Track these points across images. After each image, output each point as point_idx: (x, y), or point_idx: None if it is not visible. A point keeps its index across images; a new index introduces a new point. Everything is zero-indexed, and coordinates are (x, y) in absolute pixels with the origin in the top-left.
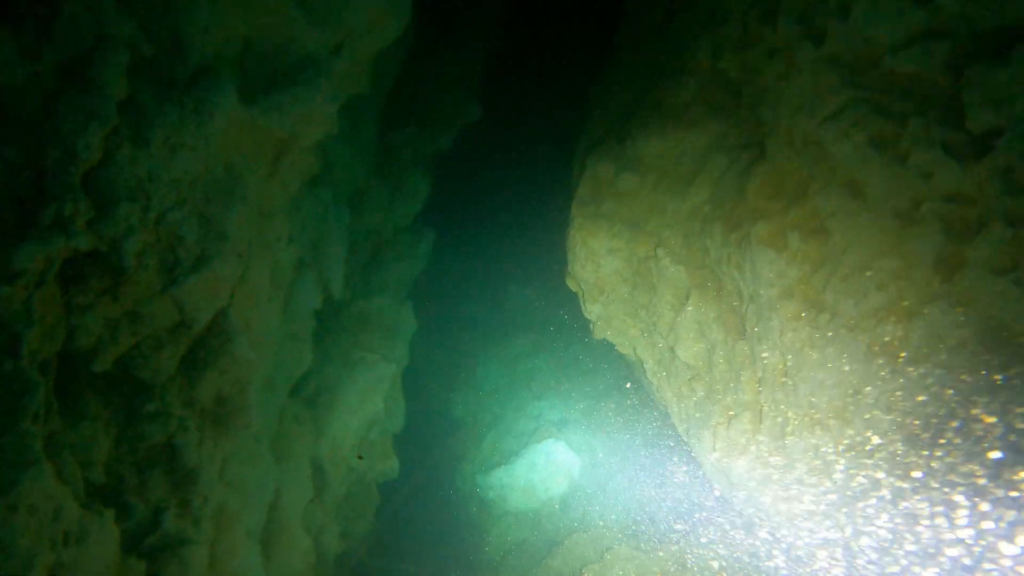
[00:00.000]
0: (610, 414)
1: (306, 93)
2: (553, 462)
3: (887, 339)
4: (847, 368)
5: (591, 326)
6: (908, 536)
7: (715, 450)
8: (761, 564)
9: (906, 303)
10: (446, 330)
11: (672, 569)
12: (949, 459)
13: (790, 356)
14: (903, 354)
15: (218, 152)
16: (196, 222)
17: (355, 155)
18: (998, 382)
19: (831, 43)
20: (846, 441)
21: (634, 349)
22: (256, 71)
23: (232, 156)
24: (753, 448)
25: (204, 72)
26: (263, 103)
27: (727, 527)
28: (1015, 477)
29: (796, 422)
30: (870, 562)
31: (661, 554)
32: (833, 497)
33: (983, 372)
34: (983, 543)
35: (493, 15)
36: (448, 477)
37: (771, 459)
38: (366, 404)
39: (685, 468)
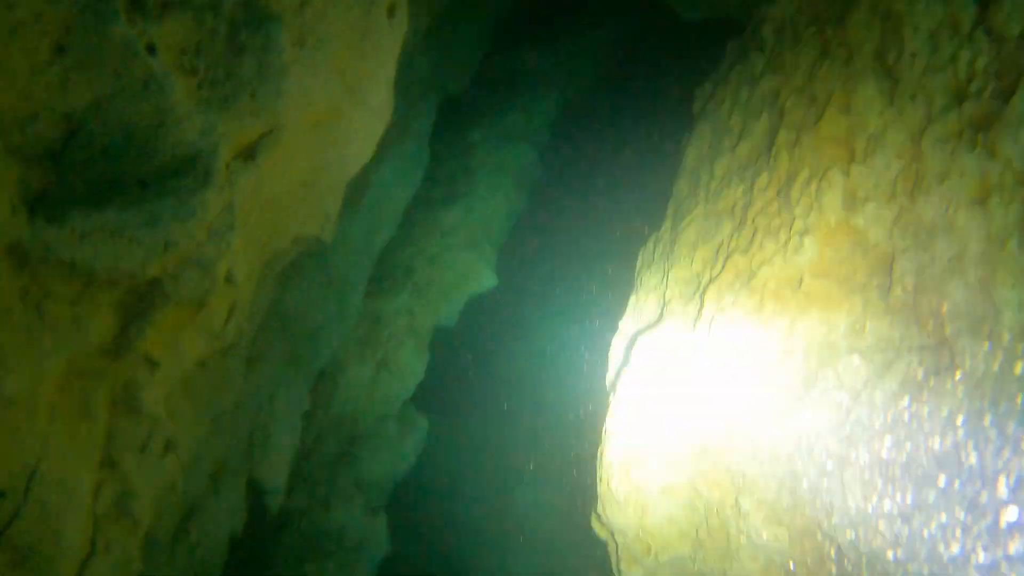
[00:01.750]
0: None
1: (175, 210)
2: None
3: None
4: None
5: None
6: None
7: None
8: None
9: None
10: (433, 539)
11: None
12: None
13: None
14: None
15: None
16: None
17: (330, 319)
18: None
19: None
20: None
21: None
22: (89, 170)
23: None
24: None
25: None
26: (84, 221)
27: None
28: None
29: None
30: None
31: None
32: None
33: None
34: None
35: (526, 164)
36: None
37: None
38: None
39: None
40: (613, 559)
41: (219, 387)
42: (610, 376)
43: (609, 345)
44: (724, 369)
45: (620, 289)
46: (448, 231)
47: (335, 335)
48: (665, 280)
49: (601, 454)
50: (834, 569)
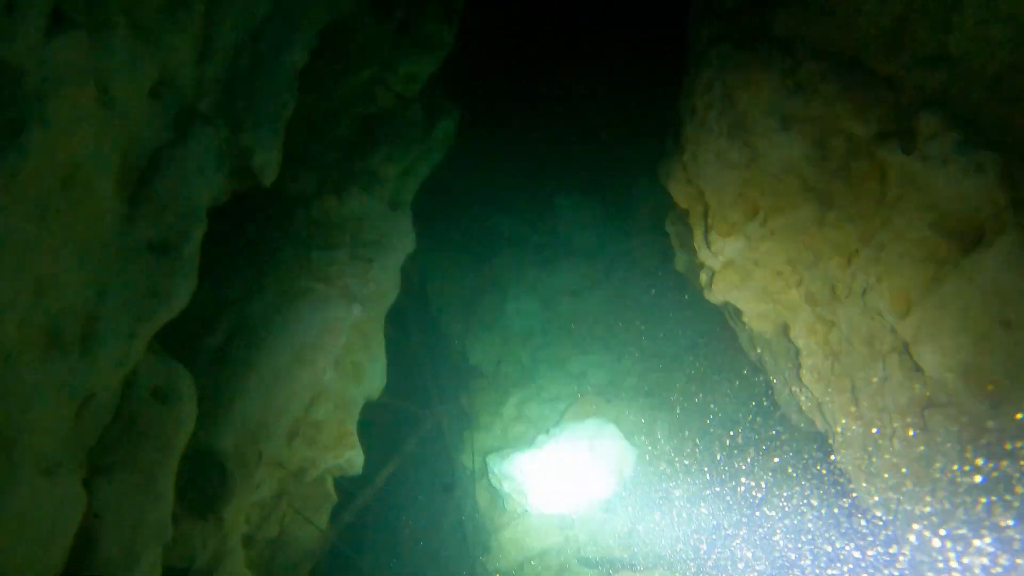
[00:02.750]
0: (687, 388)
1: None
2: (597, 451)
3: None
4: None
5: (704, 276)
6: None
7: None
8: None
9: None
10: (467, 248)
11: None
12: None
13: None
14: None
15: None
16: None
17: None
18: None
19: None
20: None
21: (784, 327)
22: None
23: None
24: None
25: None
26: None
27: None
28: None
29: None
30: None
31: None
32: None
33: None
34: None
35: None
36: (451, 451)
37: None
38: (303, 367)
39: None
40: (699, 231)
41: None
42: None
43: None
44: None
45: None
46: None
47: None
48: None
49: (691, 80)
50: None
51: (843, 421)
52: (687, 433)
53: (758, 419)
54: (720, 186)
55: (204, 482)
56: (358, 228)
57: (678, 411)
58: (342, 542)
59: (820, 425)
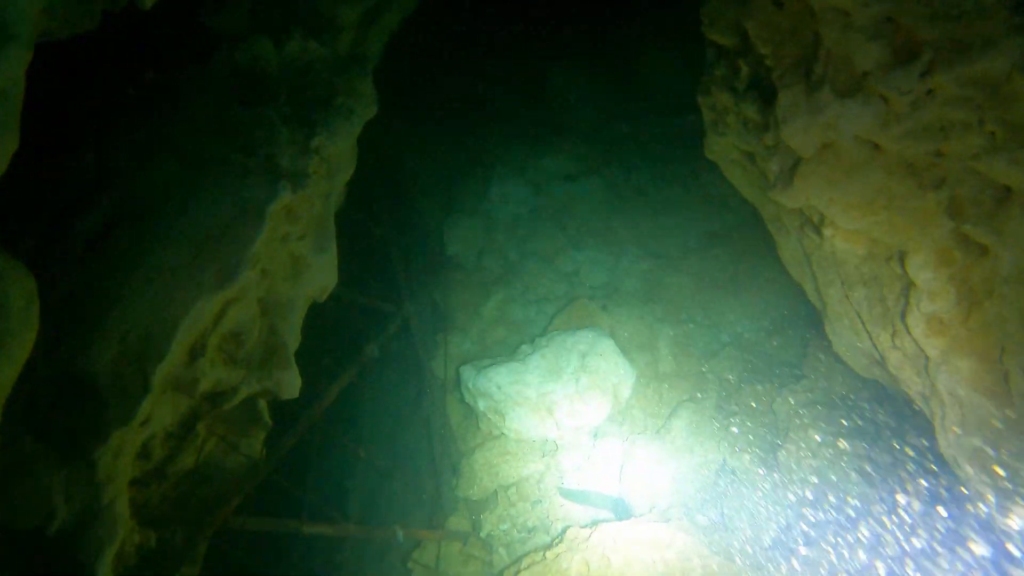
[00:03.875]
0: (698, 298)
1: None
2: (589, 369)
3: None
4: None
5: (776, 165)
6: None
7: None
8: None
9: None
10: (447, 122)
11: None
12: None
13: None
14: None
15: None
16: None
17: None
18: None
19: None
20: None
21: (899, 253)
22: None
23: None
24: None
25: None
26: None
27: None
28: None
29: None
30: None
31: None
32: None
33: None
34: None
35: None
36: (420, 355)
37: None
38: (207, 262)
39: None
40: (790, 91)
41: None
42: None
43: None
44: None
45: None
46: None
47: None
48: None
49: None
50: None
51: (967, 396)
52: (696, 353)
53: (790, 349)
54: (849, 6)
55: (69, 416)
56: (301, 83)
57: (687, 326)
58: (280, 472)
59: (913, 388)
